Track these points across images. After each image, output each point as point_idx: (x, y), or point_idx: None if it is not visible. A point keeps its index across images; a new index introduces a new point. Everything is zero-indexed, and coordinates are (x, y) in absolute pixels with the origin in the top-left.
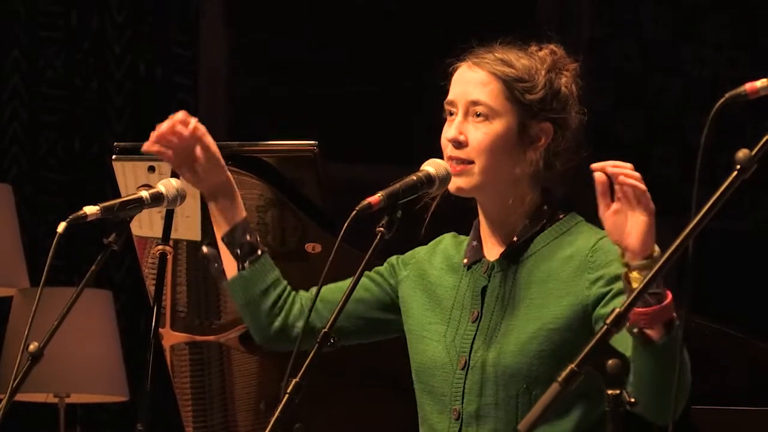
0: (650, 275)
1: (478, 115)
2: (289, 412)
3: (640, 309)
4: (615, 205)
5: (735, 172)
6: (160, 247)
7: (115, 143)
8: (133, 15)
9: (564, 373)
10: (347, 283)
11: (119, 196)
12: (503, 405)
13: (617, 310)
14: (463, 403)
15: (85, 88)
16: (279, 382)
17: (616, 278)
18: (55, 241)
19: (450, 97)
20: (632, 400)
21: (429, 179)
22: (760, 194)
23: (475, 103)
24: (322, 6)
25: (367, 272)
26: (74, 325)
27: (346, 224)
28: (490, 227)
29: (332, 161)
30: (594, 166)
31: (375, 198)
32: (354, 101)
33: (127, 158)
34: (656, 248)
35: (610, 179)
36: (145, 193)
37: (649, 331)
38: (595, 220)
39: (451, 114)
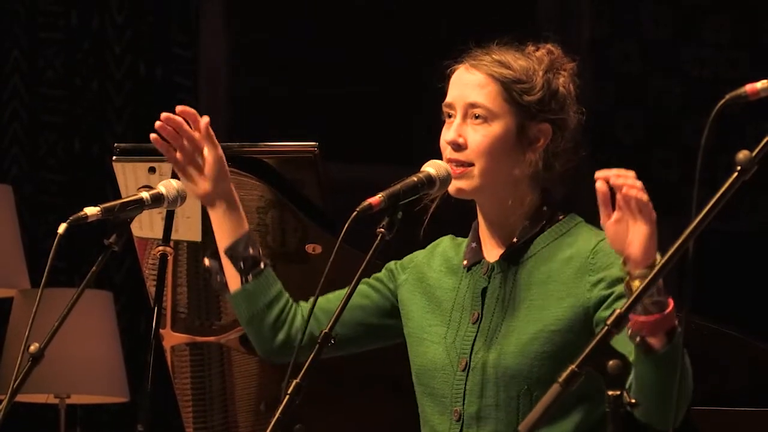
0: (652, 275)
1: (477, 117)
2: (289, 413)
3: (641, 318)
4: (616, 214)
5: (735, 174)
6: (160, 248)
7: (116, 144)
8: (133, 15)
9: (565, 374)
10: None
11: (120, 197)
12: (504, 406)
13: (618, 311)
14: (463, 404)
15: (85, 89)
16: (279, 383)
17: (617, 281)
18: (55, 242)
19: (448, 99)
20: (633, 400)
21: (429, 180)
22: (760, 196)
23: (473, 105)
24: (322, 6)
25: (365, 279)
26: (75, 326)
27: (346, 225)
28: (489, 228)
29: (332, 162)
30: (597, 175)
31: (375, 199)
32: (354, 101)
33: (127, 159)
34: (658, 256)
35: (611, 187)
36: (145, 194)
37: (650, 340)
38: (595, 221)
39: (450, 116)
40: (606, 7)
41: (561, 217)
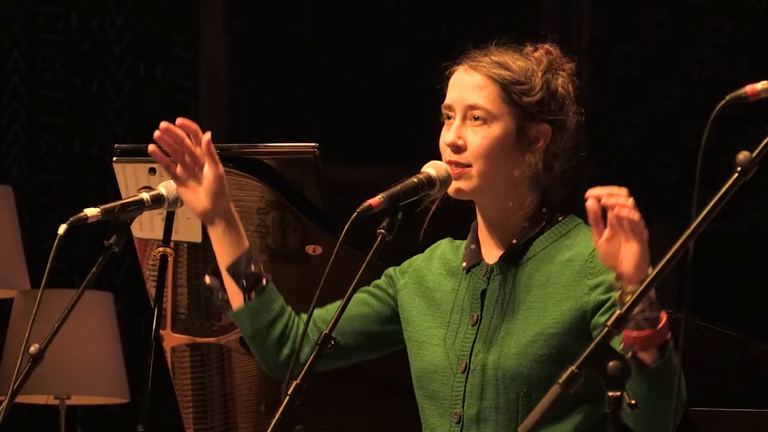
0: (652, 275)
1: (476, 119)
2: (289, 414)
3: (633, 333)
4: (607, 232)
5: (735, 175)
6: (160, 249)
7: (116, 145)
8: (132, 16)
9: (564, 375)
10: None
11: (120, 198)
12: (504, 408)
13: (618, 312)
14: (463, 406)
15: (85, 90)
16: (280, 384)
17: (613, 287)
18: (55, 243)
19: (447, 101)
20: (633, 401)
21: (430, 181)
22: (759, 197)
23: (472, 107)
24: (323, 7)
25: (364, 288)
26: (75, 326)
27: (346, 226)
28: (488, 230)
29: (332, 162)
30: (589, 193)
31: (375, 200)
32: (354, 101)
33: (127, 160)
34: (650, 270)
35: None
36: (145, 195)
37: (642, 354)
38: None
39: (449, 118)
40: (606, 8)
41: (560, 218)
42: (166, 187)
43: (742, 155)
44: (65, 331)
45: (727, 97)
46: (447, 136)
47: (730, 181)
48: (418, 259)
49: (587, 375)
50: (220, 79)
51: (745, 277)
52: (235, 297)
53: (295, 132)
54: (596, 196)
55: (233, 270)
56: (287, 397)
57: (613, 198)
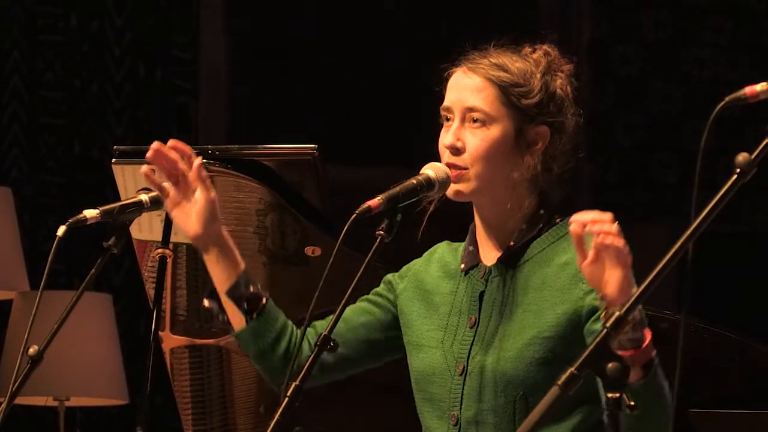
0: (652, 275)
1: (475, 121)
2: (288, 415)
3: (618, 353)
4: (591, 255)
5: (735, 176)
6: (159, 250)
7: (115, 146)
8: (132, 17)
9: (564, 377)
10: (348, 314)
11: (119, 200)
12: (501, 411)
13: (618, 313)
14: (461, 408)
15: (84, 91)
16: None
17: None
18: (54, 245)
19: (446, 103)
20: (632, 403)
21: (429, 183)
22: (758, 198)
23: (471, 109)
24: (323, 7)
25: (364, 297)
26: (74, 328)
27: (345, 227)
28: (486, 232)
29: (332, 163)
30: (573, 218)
31: (375, 201)
32: (354, 102)
33: (126, 161)
34: (635, 288)
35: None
36: (144, 197)
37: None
38: None
39: (448, 120)
40: (606, 8)
41: (558, 220)
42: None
43: (741, 157)
44: (64, 333)
45: (727, 99)
46: (446, 138)
47: (729, 183)
48: (416, 264)
49: (586, 376)
50: (220, 80)
51: (744, 278)
52: (237, 319)
53: (295, 132)
54: (581, 222)
55: (232, 294)
56: (286, 399)
57: (597, 225)
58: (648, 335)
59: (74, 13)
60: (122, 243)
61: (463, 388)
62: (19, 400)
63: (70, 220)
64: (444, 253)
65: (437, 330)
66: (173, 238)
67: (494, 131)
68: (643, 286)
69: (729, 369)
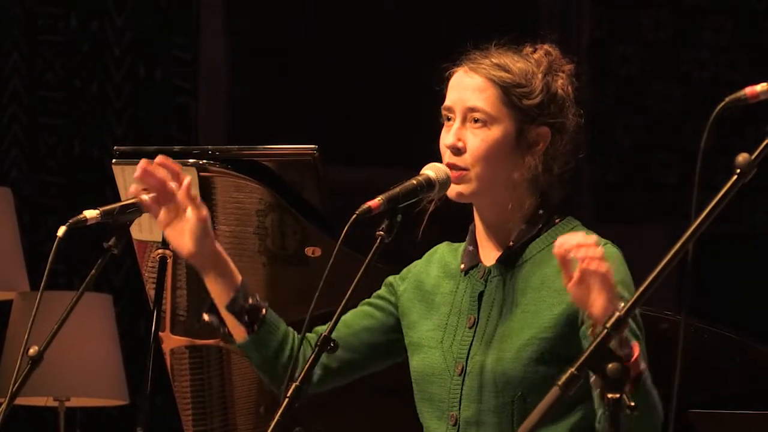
0: (652, 276)
1: (476, 121)
2: (289, 416)
3: None
4: (576, 276)
5: (735, 176)
6: (160, 251)
7: (115, 147)
8: (132, 17)
9: (564, 377)
10: (351, 318)
11: (119, 200)
12: (499, 411)
13: (618, 314)
14: (459, 408)
15: (84, 91)
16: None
17: None
18: (54, 245)
19: (447, 102)
20: (632, 404)
21: (429, 183)
22: (758, 198)
23: (472, 109)
24: (323, 7)
25: (366, 300)
26: (74, 328)
27: (346, 228)
28: (486, 232)
29: (332, 164)
30: (558, 242)
31: (375, 202)
32: (354, 102)
33: (126, 162)
34: (621, 304)
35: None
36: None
37: None
38: (592, 224)
39: (449, 119)
40: (606, 8)
41: (558, 220)
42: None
43: (741, 157)
44: (64, 333)
45: (727, 99)
46: (447, 138)
47: (729, 183)
48: (417, 265)
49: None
50: (220, 80)
51: (744, 279)
52: (238, 331)
53: (295, 132)
54: (565, 248)
55: (232, 308)
56: (286, 399)
57: (582, 250)
58: (636, 350)
59: (74, 13)
60: (122, 243)
61: (461, 388)
62: (19, 401)
63: (70, 221)
64: (444, 254)
65: (437, 330)
66: None
67: (495, 131)
68: (643, 287)
69: (729, 369)
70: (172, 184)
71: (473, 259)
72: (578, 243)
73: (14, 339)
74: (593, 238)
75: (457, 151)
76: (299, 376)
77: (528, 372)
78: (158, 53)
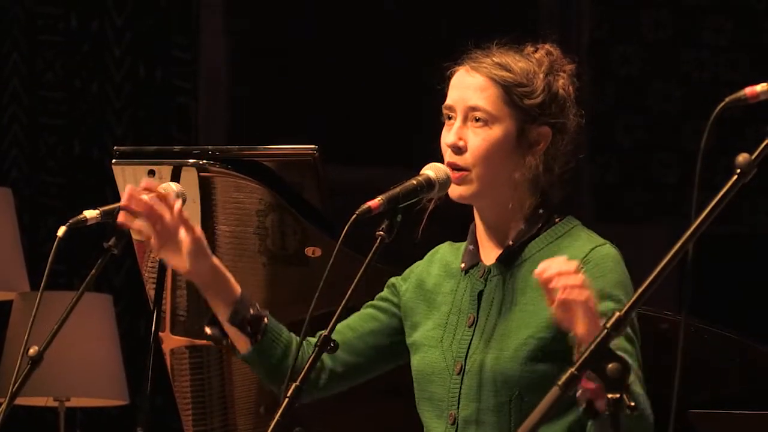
0: (652, 276)
1: (477, 121)
2: (289, 416)
3: (589, 385)
4: (557, 301)
5: (735, 177)
6: None
7: (115, 147)
8: (132, 17)
9: (564, 377)
10: (355, 322)
11: (119, 200)
12: (498, 410)
13: (618, 314)
14: (458, 407)
15: (84, 91)
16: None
17: (602, 296)
18: (55, 245)
19: (448, 101)
20: (632, 404)
21: (429, 183)
22: (758, 199)
23: (473, 108)
24: (323, 7)
25: (369, 303)
26: (74, 328)
27: (346, 228)
28: (487, 231)
29: (332, 164)
30: (540, 267)
31: (375, 202)
32: (354, 102)
33: (126, 162)
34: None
35: None
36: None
37: (598, 403)
38: (592, 224)
39: (450, 118)
40: (606, 8)
41: (557, 220)
42: (165, 189)
43: (741, 157)
44: (64, 333)
45: (727, 99)
46: (448, 137)
47: (729, 184)
48: (418, 265)
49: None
50: (220, 80)
51: (744, 279)
52: (241, 342)
53: (295, 132)
54: (546, 277)
55: (234, 320)
56: (286, 399)
57: (563, 279)
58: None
59: (74, 13)
60: (122, 243)
61: (460, 387)
62: (20, 401)
63: (70, 221)
64: (445, 253)
65: (437, 329)
66: None
67: (496, 131)
68: (643, 287)
69: (729, 369)
70: (159, 209)
71: (473, 259)
72: (558, 272)
73: (14, 339)
74: (574, 264)
75: (458, 150)
76: (299, 376)
77: (526, 371)
78: (158, 53)
